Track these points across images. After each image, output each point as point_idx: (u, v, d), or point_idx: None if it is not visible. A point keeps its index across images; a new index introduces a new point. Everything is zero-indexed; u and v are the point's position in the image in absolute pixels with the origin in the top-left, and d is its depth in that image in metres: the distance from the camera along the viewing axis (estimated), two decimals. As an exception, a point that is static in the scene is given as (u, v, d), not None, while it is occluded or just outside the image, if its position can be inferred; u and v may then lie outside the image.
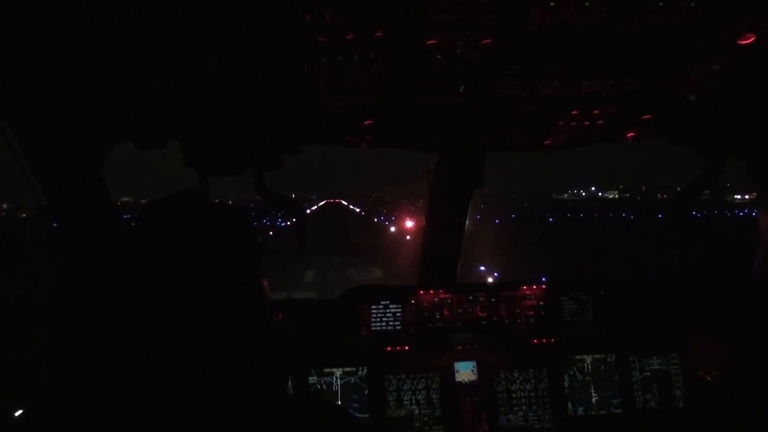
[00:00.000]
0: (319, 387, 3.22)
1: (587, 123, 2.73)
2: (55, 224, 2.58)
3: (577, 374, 3.35)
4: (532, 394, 3.30)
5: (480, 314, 3.42)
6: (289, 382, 3.20)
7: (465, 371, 3.30)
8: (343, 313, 3.39)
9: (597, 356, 3.37)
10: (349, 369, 3.27)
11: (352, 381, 3.26)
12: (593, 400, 3.31)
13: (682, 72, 2.28)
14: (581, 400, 3.31)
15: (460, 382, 3.27)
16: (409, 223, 39.22)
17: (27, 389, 2.60)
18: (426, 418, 3.22)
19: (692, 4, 1.77)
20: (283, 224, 53.62)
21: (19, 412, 2.34)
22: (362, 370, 3.27)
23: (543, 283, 3.52)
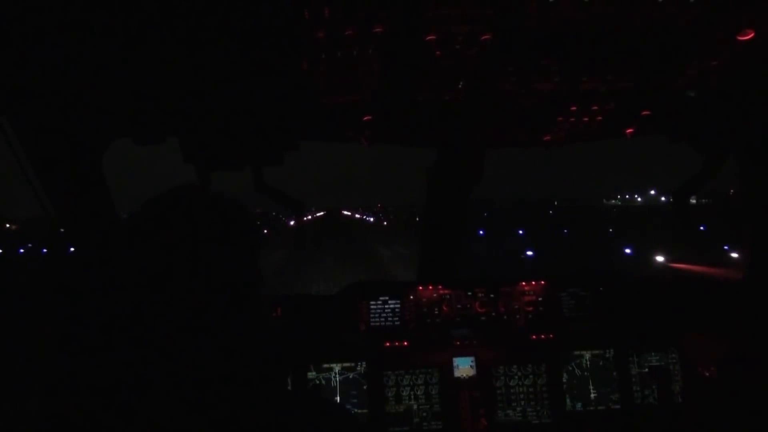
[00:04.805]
0: (318, 382, 3.23)
1: (586, 119, 2.73)
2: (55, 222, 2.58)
3: (576, 370, 3.35)
4: (531, 389, 3.30)
5: (479, 310, 3.42)
6: (289, 378, 3.21)
7: (464, 367, 3.31)
8: (342, 309, 3.40)
9: (596, 352, 3.38)
10: (348, 364, 3.27)
11: (350, 376, 3.26)
12: (592, 395, 3.32)
13: (681, 68, 2.28)
14: (580, 395, 3.32)
15: (458, 378, 3.28)
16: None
17: (30, 387, 2.61)
18: (425, 414, 3.23)
19: (691, 0, 1.77)
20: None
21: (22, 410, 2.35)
22: (361, 366, 3.28)
23: (541, 278, 3.52)
